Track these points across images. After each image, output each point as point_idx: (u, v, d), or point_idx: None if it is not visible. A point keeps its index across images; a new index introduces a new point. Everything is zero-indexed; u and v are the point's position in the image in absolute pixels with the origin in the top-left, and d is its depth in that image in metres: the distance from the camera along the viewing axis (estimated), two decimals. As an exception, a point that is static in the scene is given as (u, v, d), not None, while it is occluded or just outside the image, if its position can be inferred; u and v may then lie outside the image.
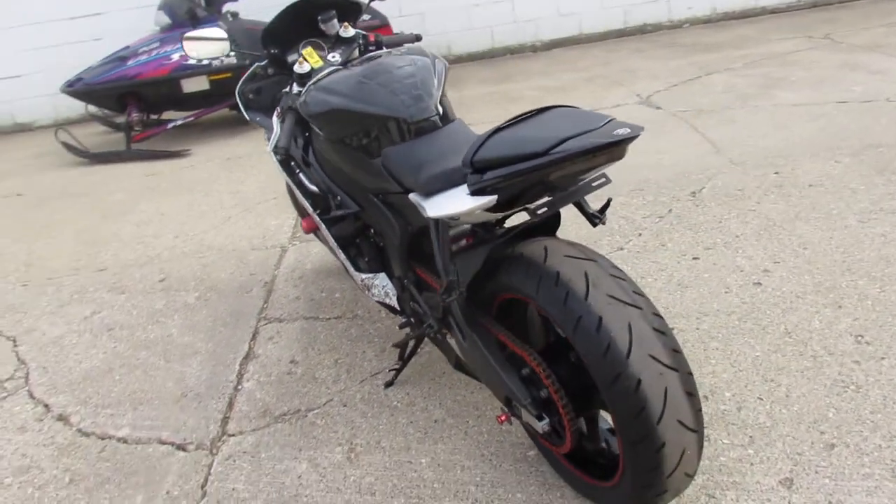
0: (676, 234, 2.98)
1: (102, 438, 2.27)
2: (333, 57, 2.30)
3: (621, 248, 2.93)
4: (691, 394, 1.39)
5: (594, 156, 1.34)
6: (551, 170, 1.35)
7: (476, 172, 1.44)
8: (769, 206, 3.08)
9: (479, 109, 5.42)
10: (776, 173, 3.41)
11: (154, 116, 5.63)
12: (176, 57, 4.98)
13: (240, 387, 2.43)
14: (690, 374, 1.42)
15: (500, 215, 1.60)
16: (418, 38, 2.56)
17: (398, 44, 2.50)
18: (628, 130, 1.30)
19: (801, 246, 2.73)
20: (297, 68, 2.22)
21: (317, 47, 2.35)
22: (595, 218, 1.81)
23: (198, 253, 3.58)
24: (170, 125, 5.48)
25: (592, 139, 1.31)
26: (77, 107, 6.16)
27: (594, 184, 1.54)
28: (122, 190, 4.80)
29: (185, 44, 2.45)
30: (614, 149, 1.34)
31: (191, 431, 2.24)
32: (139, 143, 5.43)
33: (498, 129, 1.46)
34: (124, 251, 3.76)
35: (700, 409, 1.42)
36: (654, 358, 1.36)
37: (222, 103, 5.50)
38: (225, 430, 2.22)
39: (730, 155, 3.73)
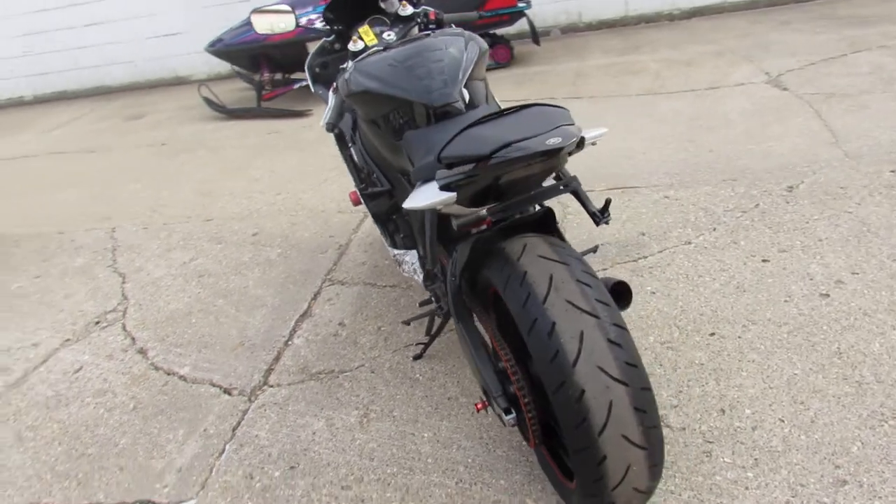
0: (754, 231, 2.78)
1: (167, 374, 2.55)
2: (388, 35, 2.35)
3: (689, 243, 2.78)
4: (642, 410, 1.35)
5: (528, 163, 1.31)
6: (494, 173, 1.34)
7: (447, 167, 1.46)
8: (869, 210, 2.78)
9: (594, 81, 5.25)
10: (892, 171, 3.05)
11: (284, 76, 5.98)
12: (303, 21, 5.23)
13: (290, 342, 2.62)
14: (646, 389, 1.37)
15: (481, 209, 1.60)
16: (481, 17, 2.54)
17: (460, 22, 2.51)
18: (559, 140, 1.27)
19: (891, 258, 2.46)
20: (350, 46, 2.30)
21: (377, 24, 2.41)
22: (597, 217, 1.76)
23: (291, 211, 3.83)
24: (296, 85, 5.81)
25: (527, 146, 1.29)
26: (226, 63, 6.66)
27: (555, 190, 1.50)
28: (245, 146, 5.18)
29: (254, 17, 2.59)
30: (548, 157, 1.30)
31: (238, 378, 2.46)
32: (268, 102, 5.81)
33: (472, 125, 1.46)
34: (231, 204, 4.10)
35: (654, 427, 1.38)
36: (602, 370, 1.33)
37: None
38: (266, 380, 2.42)
39: (847, 147, 3.37)
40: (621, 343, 1.37)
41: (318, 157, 4.64)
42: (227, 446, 2.14)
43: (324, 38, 2.61)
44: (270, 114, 5.73)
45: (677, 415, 1.94)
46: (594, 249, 2.22)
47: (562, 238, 1.73)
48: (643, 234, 2.90)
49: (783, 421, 1.86)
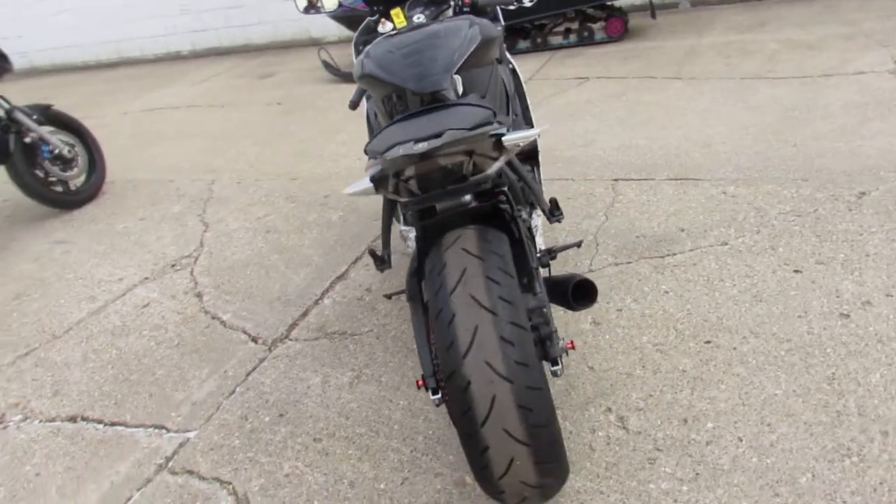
0: (798, 238, 2.60)
1: (212, 318, 2.86)
2: (418, 18, 2.42)
3: (725, 244, 2.66)
4: (527, 408, 1.39)
5: (415, 162, 1.37)
6: (392, 169, 1.41)
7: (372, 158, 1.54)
8: (940, 226, 2.51)
9: (702, 61, 4.97)
10: None
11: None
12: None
13: (319, 301, 2.83)
14: (534, 388, 1.40)
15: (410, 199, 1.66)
16: (520, 2, 2.54)
17: (495, 5, 2.53)
18: (425, 146, 1.31)
19: (940, 282, 2.23)
20: (379, 27, 2.41)
21: (414, 6, 2.49)
22: (551, 216, 1.77)
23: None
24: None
25: (404, 149, 1.34)
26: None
27: (471, 187, 1.54)
28: (347, 110, 5.45)
29: (297, -4, 2.73)
30: (421, 161, 1.35)
31: (266, 329, 2.71)
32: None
33: (401, 119, 1.53)
34: (318, 166, 4.37)
35: (542, 426, 1.41)
36: (489, 365, 1.39)
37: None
38: (288, 334, 2.65)
39: (949, 152, 3.02)
40: (514, 342, 1.41)
41: (406, 126, 4.79)
42: (238, 388, 2.39)
43: (368, 17, 2.72)
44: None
45: (638, 418, 1.93)
46: (578, 244, 2.21)
47: (513, 231, 1.75)
48: (682, 230, 2.81)
49: (741, 440, 1.80)
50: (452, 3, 2.48)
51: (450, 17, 2.47)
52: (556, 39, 6.05)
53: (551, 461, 1.46)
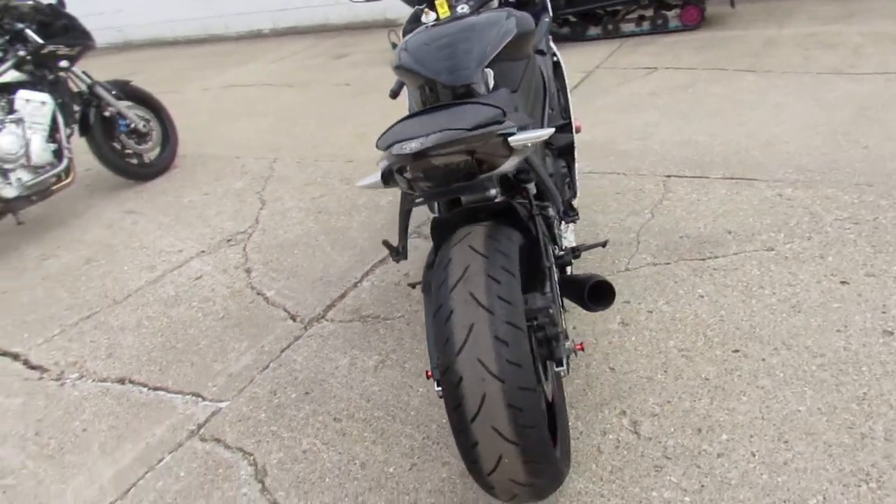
0: (850, 248, 2.47)
1: (257, 294, 2.98)
2: (462, 8, 2.42)
3: (771, 249, 2.56)
4: (516, 407, 1.40)
5: (414, 160, 1.38)
6: (397, 164, 1.43)
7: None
8: None
9: (780, 53, 4.73)
10: None
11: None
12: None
13: (358, 284, 2.91)
14: (526, 389, 1.41)
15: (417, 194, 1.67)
16: (566, -8, 2.51)
17: (541, -5, 2.50)
18: (416, 145, 1.32)
19: None
20: (423, 17, 2.42)
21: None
22: (566, 216, 1.76)
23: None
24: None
25: (401, 147, 1.36)
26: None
27: (486, 183, 1.54)
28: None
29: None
30: (415, 160, 1.36)
31: (305, 308, 2.80)
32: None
33: (408, 116, 1.55)
34: (375, 150, 4.43)
35: (532, 426, 1.42)
36: (481, 362, 1.40)
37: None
38: (325, 314, 2.74)
39: None
40: (508, 342, 1.42)
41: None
42: (271, 364, 2.50)
43: (416, 6, 2.74)
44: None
45: (651, 424, 1.90)
46: (603, 244, 2.17)
47: (528, 230, 1.75)
48: (729, 233, 2.71)
49: (754, 455, 1.75)
50: (498, -7, 2.46)
51: (494, 6, 2.46)
52: (629, 27, 5.89)
53: (540, 461, 1.46)
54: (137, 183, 4.57)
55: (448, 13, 2.40)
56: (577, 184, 2.45)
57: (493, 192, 1.65)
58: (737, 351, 2.10)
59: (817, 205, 2.79)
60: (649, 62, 5.11)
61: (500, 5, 2.49)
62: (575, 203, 2.38)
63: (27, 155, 3.80)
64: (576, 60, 5.53)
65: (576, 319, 2.38)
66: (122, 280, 3.31)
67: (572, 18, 6.02)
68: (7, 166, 3.73)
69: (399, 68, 2.15)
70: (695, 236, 2.74)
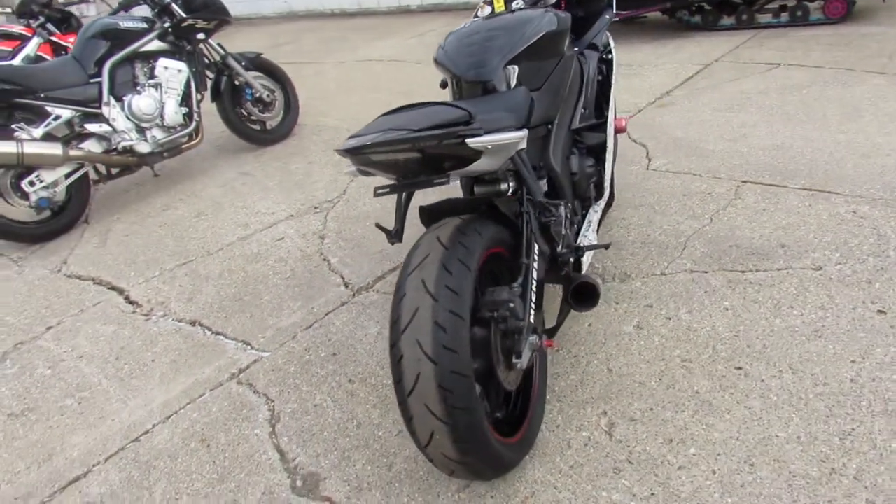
0: (906, 277, 2.30)
1: (322, 259, 3.25)
2: (517, 4, 2.49)
3: (819, 269, 2.43)
4: (447, 389, 1.52)
5: (371, 153, 1.51)
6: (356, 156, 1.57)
7: None
8: None
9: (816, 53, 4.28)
10: None
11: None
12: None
13: (411, 260, 3.08)
14: (458, 374, 1.52)
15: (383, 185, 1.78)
16: (623, -10, 2.49)
17: (598, -7, 2.51)
18: (353, 143, 1.43)
19: None
20: (478, 11, 2.52)
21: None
22: (541, 216, 1.81)
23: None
24: (594, 22, 5.87)
25: (349, 143, 1.48)
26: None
27: (436, 180, 1.63)
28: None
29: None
30: (353, 154, 1.48)
31: (358, 276, 3.03)
32: (567, 36, 6.01)
33: (384, 113, 1.68)
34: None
35: (462, 409, 1.53)
36: (419, 344, 1.54)
37: (653, 6, 5.61)
38: (373, 285, 2.95)
39: None
40: (447, 328, 1.54)
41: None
42: (315, 324, 2.75)
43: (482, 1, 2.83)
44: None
45: (627, 428, 1.94)
46: (606, 246, 2.18)
47: (510, 225, 1.83)
48: (783, 247, 2.60)
49: (714, 473, 1.74)
50: (555, -12, 2.50)
51: (549, 2, 2.50)
52: (765, 17, 5.53)
53: (470, 442, 1.57)
54: (258, 147, 5.02)
55: (503, 8, 2.48)
56: (611, 184, 2.44)
57: (446, 181, 1.71)
58: (739, 368, 2.06)
59: (888, 226, 2.58)
60: (774, 58, 4.80)
61: (559, 4, 2.52)
62: (598, 206, 2.39)
63: (162, 116, 4.32)
64: (698, 51, 5.32)
65: (592, 318, 2.41)
66: (219, 234, 3.72)
67: (706, 6, 5.75)
68: (144, 125, 4.27)
69: (435, 62, 2.27)
70: (745, 247, 2.64)
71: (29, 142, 3.80)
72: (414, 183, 1.70)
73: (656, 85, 4.73)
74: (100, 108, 4.11)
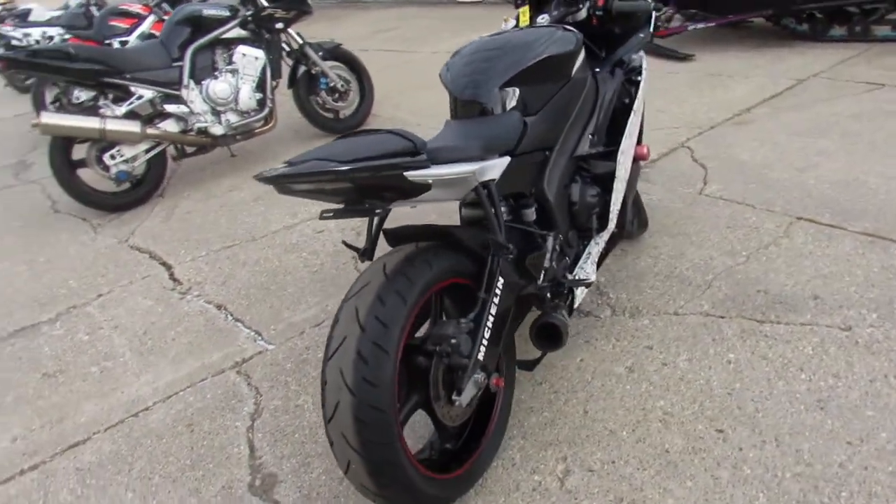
0: (944, 351, 2.03)
1: (352, 256, 3.30)
2: (542, 19, 2.39)
3: (847, 329, 2.19)
4: (363, 421, 1.51)
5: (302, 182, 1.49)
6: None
7: None
8: None
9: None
10: None
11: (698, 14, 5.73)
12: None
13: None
14: (374, 407, 1.50)
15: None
16: (656, 8, 2.34)
17: (630, 11, 2.37)
18: (274, 171, 1.41)
19: None
20: (502, 25, 2.45)
21: (549, 6, 2.45)
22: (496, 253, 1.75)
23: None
24: (690, 26, 5.55)
25: (278, 170, 1.46)
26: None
27: (376, 210, 1.59)
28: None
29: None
30: (273, 183, 1.46)
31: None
32: (661, 39, 5.72)
33: (338, 138, 1.66)
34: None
35: (376, 443, 1.52)
36: (341, 373, 1.53)
37: (757, 12, 5.24)
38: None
39: None
40: (369, 361, 1.52)
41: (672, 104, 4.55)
42: (324, 322, 2.80)
43: (518, 7, 2.73)
44: (657, 51, 5.65)
45: (581, 479, 1.84)
46: (587, 284, 2.06)
47: (468, 254, 1.77)
48: (815, 298, 2.37)
49: (654, 543, 1.63)
50: (586, 4, 2.38)
51: (580, 18, 2.39)
52: (883, 30, 5.02)
53: (385, 476, 1.56)
54: (329, 135, 5.13)
55: (528, 22, 2.40)
56: (616, 215, 2.30)
57: (384, 211, 1.67)
58: (721, 431, 1.91)
59: (948, 289, 2.29)
60: (879, 77, 4.36)
61: (587, 17, 2.40)
62: (599, 238, 2.27)
63: (236, 101, 4.51)
64: (797, 63, 4.92)
65: (586, 352, 2.31)
66: (268, 221, 3.85)
67: (817, 14, 5.29)
68: (219, 108, 4.48)
69: (440, 78, 2.23)
70: (774, 293, 2.43)
71: (111, 119, 4.08)
72: (356, 210, 1.67)
73: (739, 99, 4.42)
74: (179, 90, 4.34)
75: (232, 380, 2.53)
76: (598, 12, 2.41)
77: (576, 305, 2.15)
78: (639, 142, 2.79)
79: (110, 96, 4.24)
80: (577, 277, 2.15)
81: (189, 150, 4.55)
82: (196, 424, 2.33)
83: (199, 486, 2.06)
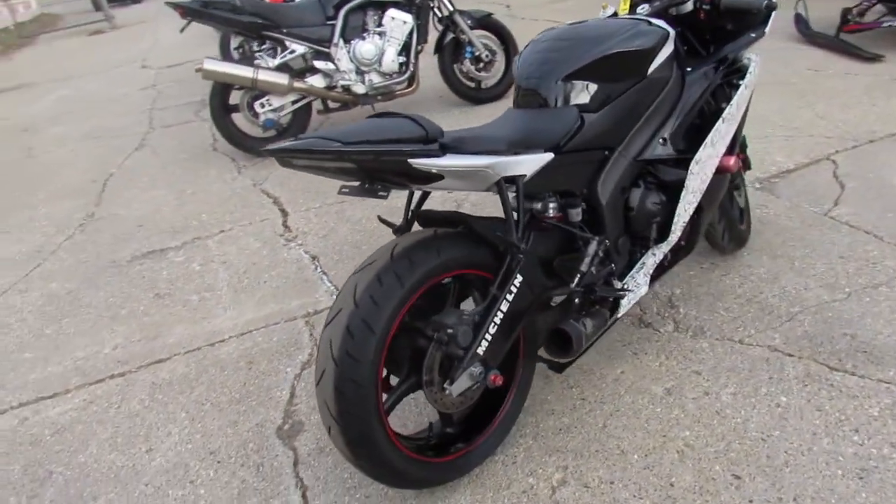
0: None
1: (445, 229, 3.36)
2: (642, 9, 2.26)
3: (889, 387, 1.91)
4: (341, 392, 1.58)
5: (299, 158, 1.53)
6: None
7: None
8: None
9: None
10: None
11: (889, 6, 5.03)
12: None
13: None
14: (353, 381, 1.57)
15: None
16: (769, 7, 2.12)
17: (739, 7, 2.17)
18: (275, 147, 1.45)
19: None
20: (601, 12, 2.34)
21: (653, -6, 2.31)
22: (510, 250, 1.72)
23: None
24: (886, 23, 4.87)
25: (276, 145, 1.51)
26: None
27: (380, 192, 1.60)
28: (779, 80, 4.86)
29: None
30: (274, 156, 1.49)
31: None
32: (849, 35, 5.09)
33: (370, 117, 1.69)
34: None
35: (352, 414, 1.59)
36: (330, 343, 1.61)
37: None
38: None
39: None
40: (356, 336, 1.58)
41: (795, 109, 4.13)
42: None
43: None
44: (841, 48, 5.05)
45: (574, 493, 1.80)
46: (618, 293, 1.94)
47: (489, 246, 1.75)
48: (865, 353, 2.09)
49: (618, 575, 1.57)
50: (694, -3, 2.21)
51: (686, 10, 2.24)
52: None
53: (361, 448, 1.63)
54: (469, 105, 5.19)
55: (627, 10, 2.29)
56: (681, 228, 2.12)
57: (385, 195, 1.65)
58: (737, 477, 1.76)
59: None
60: None
61: (694, 9, 2.23)
62: (658, 249, 2.13)
63: (380, 62, 4.68)
64: None
65: (629, 364, 2.21)
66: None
67: None
68: (364, 68, 4.68)
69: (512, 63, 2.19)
70: (861, 340, 2.16)
71: (264, 70, 4.42)
72: (369, 190, 1.69)
73: (919, 112, 3.86)
74: (329, 47, 4.59)
75: (299, 328, 2.71)
76: (704, 6, 2.22)
77: (619, 314, 2.05)
78: (740, 150, 2.57)
79: (270, 48, 4.59)
80: (625, 287, 2.05)
81: (333, 105, 4.82)
82: (255, 363, 2.54)
83: (238, 419, 2.26)
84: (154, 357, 2.67)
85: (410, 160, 1.52)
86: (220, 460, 2.10)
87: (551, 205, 1.98)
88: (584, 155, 1.95)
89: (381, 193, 1.61)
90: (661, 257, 2.11)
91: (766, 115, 4.02)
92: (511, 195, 1.77)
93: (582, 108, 1.93)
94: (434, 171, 1.55)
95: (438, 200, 3.53)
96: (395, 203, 2.43)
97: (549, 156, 1.81)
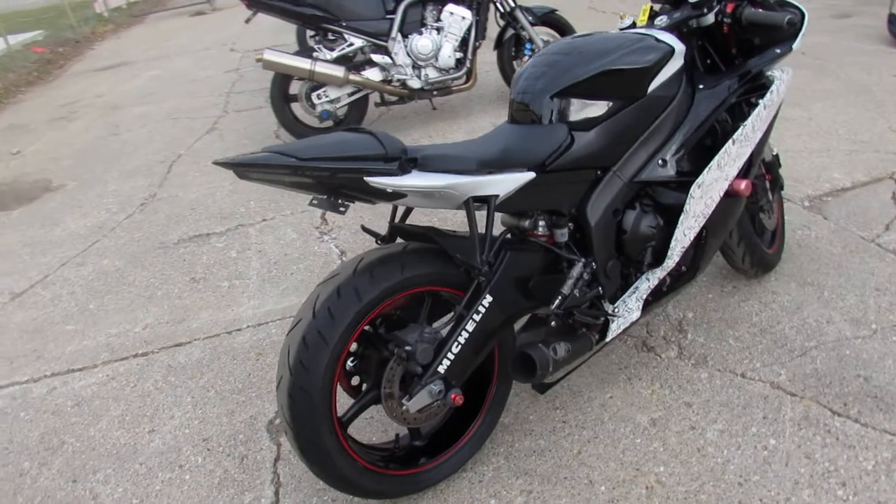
0: None
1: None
2: (660, 21, 2.15)
3: (937, 455, 1.75)
4: (293, 398, 1.62)
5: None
6: None
7: None
8: None
9: None
10: None
11: None
12: None
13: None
14: (304, 390, 1.60)
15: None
16: (790, 24, 1.97)
17: (762, 23, 2.03)
18: (230, 158, 1.47)
19: None
20: (619, 23, 2.25)
21: (675, 7, 2.19)
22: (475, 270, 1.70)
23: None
24: None
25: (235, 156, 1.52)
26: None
27: (341, 208, 1.60)
28: (827, 89, 4.53)
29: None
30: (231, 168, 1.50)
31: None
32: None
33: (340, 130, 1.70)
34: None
35: (301, 422, 1.62)
36: (288, 351, 1.65)
37: None
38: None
39: None
40: (309, 347, 1.61)
41: (827, 120, 3.84)
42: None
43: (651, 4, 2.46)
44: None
45: (532, 518, 1.78)
46: (601, 321, 1.87)
47: (449, 258, 1.73)
48: (875, 398, 1.92)
49: None
50: (714, 9, 2.10)
51: (708, 23, 2.13)
52: None
53: (310, 454, 1.66)
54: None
55: (645, 21, 2.20)
56: (678, 253, 2.01)
57: (345, 209, 1.64)
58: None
59: None
60: None
61: (714, 23, 2.11)
62: (652, 274, 2.03)
63: (436, 57, 4.69)
64: None
65: (619, 390, 2.15)
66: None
67: None
68: (420, 63, 4.70)
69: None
70: (875, 384, 2.01)
71: (321, 62, 4.52)
72: (331, 204, 1.69)
73: None
74: (387, 41, 4.63)
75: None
76: (726, 19, 2.09)
77: (607, 339, 1.99)
78: (768, 171, 2.42)
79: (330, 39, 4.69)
80: (615, 312, 1.98)
81: (390, 98, 4.87)
82: (264, 354, 2.63)
83: (235, 409, 2.36)
84: (176, 340, 2.81)
85: (367, 178, 1.53)
86: (210, 448, 2.19)
87: (540, 223, 1.94)
88: (573, 174, 1.89)
89: (341, 209, 1.63)
90: (655, 283, 2.03)
91: (831, 127, 3.76)
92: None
93: (573, 126, 1.87)
94: (390, 190, 1.55)
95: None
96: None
97: (530, 175, 1.77)
